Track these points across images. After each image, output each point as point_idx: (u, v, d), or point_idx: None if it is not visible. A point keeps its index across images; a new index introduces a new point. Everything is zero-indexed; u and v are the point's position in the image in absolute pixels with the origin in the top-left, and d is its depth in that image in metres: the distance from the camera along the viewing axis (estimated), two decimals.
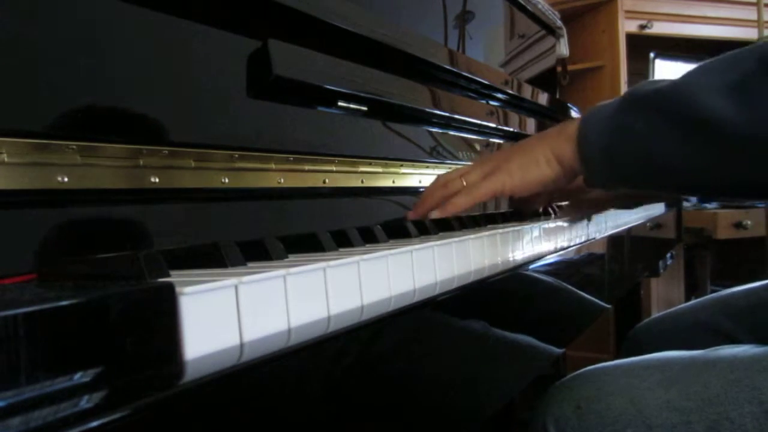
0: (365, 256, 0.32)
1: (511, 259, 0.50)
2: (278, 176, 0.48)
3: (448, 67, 0.79)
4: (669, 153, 0.51)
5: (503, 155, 0.64)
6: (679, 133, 0.50)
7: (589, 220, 0.75)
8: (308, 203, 0.52)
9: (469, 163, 0.81)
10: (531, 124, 1.09)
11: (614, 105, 0.56)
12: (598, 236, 0.74)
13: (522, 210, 0.79)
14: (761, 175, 0.49)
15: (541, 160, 0.61)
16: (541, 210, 0.83)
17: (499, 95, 1.00)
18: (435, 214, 0.59)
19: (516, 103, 1.07)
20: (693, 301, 0.99)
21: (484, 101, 0.96)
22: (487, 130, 0.91)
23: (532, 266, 0.51)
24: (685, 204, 1.94)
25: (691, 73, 0.52)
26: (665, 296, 2.07)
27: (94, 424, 0.16)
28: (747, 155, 0.48)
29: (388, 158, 0.64)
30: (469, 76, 0.85)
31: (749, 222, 1.91)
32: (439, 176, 0.66)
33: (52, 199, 0.33)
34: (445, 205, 0.60)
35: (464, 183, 0.62)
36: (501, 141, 0.96)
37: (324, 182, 0.54)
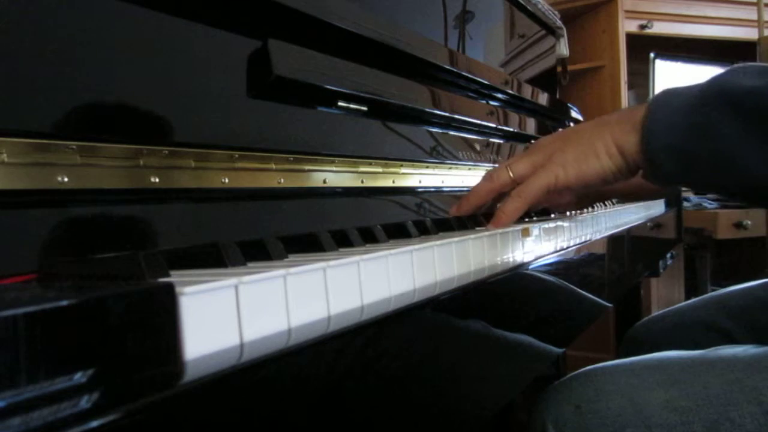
0: (365, 256, 0.32)
1: (511, 259, 0.50)
2: (278, 176, 0.48)
3: (448, 67, 0.79)
4: (756, 162, 0.45)
5: (556, 143, 0.56)
6: None
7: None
8: (308, 203, 0.52)
9: (469, 163, 0.81)
10: (531, 123, 1.09)
11: (692, 96, 0.48)
12: (598, 236, 0.73)
13: (551, 209, 0.72)
14: None
15: (600, 151, 0.53)
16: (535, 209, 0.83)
17: (499, 95, 1.00)
18: (489, 227, 0.54)
19: (516, 103, 1.07)
20: (692, 300, 0.99)
21: (484, 101, 0.96)
22: (488, 130, 0.91)
23: (532, 266, 0.51)
24: (685, 204, 1.94)
25: None
26: (665, 296, 2.07)
27: (94, 424, 0.16)
28: None
29: (388, 158, 0.64)
30: (469, 76, 0.85)
31: (749, 222, 1.91)
32: (487, 172, 0.60)
33: (52, 199, 0.33)
34: (498, 216, 0.55)
35: (511, 174, 0.56)
36: (501, 141, 0.96)
37: (324, 182, 0.54)
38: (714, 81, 0.48)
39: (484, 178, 0.58)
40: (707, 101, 0.47)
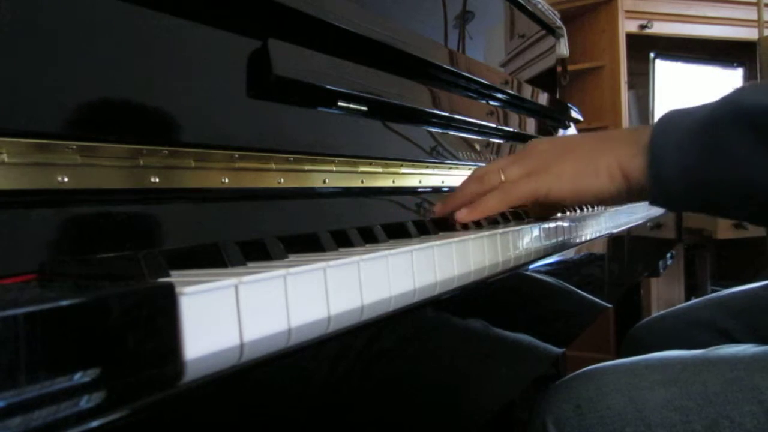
0: (365, 256, 0.32)
1: (511, 259, 0.50)
2: (278, 176, 0.48)
3: (448, 67, 0.79)
4: None
5: (556, 150, 0.54)
6: None
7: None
8: (308, 203, 0.52)
9: (470, 163, 0.81)
10: (531, 123, 1.09)
11: (703, 116, 0.45)
12: (598, 236, 0.73)
13: (545, 216, 0.70)
14: None
15: (602, 170, 0.50)
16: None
17: (499, 95, 1.00)
18: (462, 215, 0.53)
19: (516, 103, 1.07)
20: (693, 301, 0.99)
21: (484, 101, 0.96)
22: (487, 130, 0.91)
23: (532, 266, 0.51)
24: None
25: None
26: (665, 296, 2.07)
27: (94, 424, 0.16)
28: None
29: (388, 158, 0.64)
30: (469, 76, 0.85)
31: None
32: (476, 168, 0.57)
33: (52, 199, 0.33)
34: (475, 205, 0.53)
35: (502, 177, 0.53)
36: (501, 141, 0.96)
37: (324, 182, 0.54)
38: (725, 100, 0.45)
39: (474, 179, 0.56)
40: (719, 120, 0.44)
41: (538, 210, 0.67)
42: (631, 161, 0.49)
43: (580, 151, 0.52)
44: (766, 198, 0.43)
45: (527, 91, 1.10)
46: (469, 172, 0.81)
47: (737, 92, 0.46)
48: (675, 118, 0.48)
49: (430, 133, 0.75)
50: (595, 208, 0.98)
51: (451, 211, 0.55)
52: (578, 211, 0.83)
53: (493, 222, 0.67)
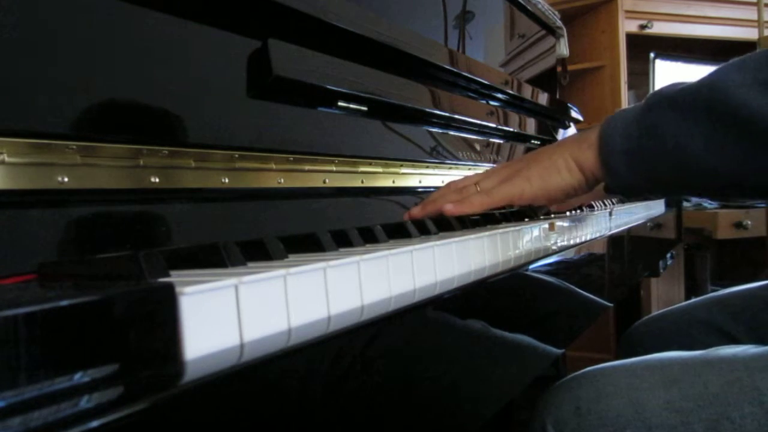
0: (365, 256, 0.32)
1: (511, 259, 0.50)
2: (278, 176, 0.48)
3: (448, 67, 0.79)
4: (701, 151, 0.49)
5: (521, 163, 0.63)
6: (711, 131, 0.49)
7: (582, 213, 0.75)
8: (308, 203, 0.52)
9: (469, 163, 0.81)
10: (531, 124, 1.09)
11: (637, 108, 0.55)
12: (598, 236, 0.73)
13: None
14: None
15: (561, 167, 0.60)
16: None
17: (499, 95, 1.00)
18: (449, 209, 0.57)
19: (516, 103, 1.07)
20: (692, 300, 0.99)
21: (484, 101, 0.96)
22: (487, 130, 0.91)
23: (532, 266, 0.51)
24: (685, 204, 1.94)
25: (721, 70, 0.50)
26: (665, 296, 2.07)
27: (94, 424, 0.16)
28: None
29: (388, 158, 0.64)
30: (469, 76, 0.85)
31: (749, 222, 1.91)
32: (450, 182, 0.64)
33: (52, 199, 0.33)
34: (462, 201, 0.58)
35: (479, 189, 0.61)
36: (501, 141, 0.96)
37: (324, 182, 0.54)
38: (651, 93, 0.54)
39: (452, 190, 0.61)
40: (651, 107, 0.53)
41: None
42: (583, 154, 0.58)
43: (542, 156, 0.62)
44: (697, 165, 0.50)
45: (527, 91, 1.10)
46: (468, 172, 0.81)
47: (657, 89, 0.55)
48: (619, 113, 0.56)
49: (430, 133, 0.75)
50: (595, 208, 0.98)
51: (429, 213, 0.59)
52: (578, 211, 0.83)
53: (492, 221, 0.67)
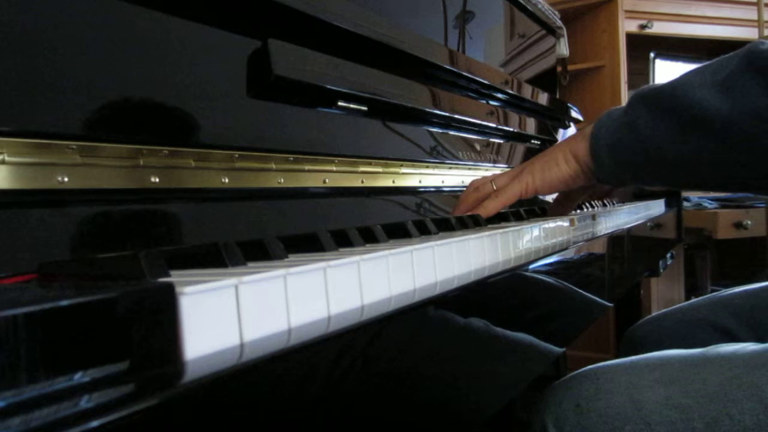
0: (365, 256, 0.32)
1: (511, 258, 0.50)
2: (278, 176, 0.48)
3: (448, 67, 0.79)
4: (665, 145, 0.55)
5: (529, 162, 0.69)
6: (674, 127, 0.54)
7: (593, 219, 0.75)
8: (308, 203, 0.52)
9: (469, 163, 0.82)
10: (531, 123, 1.09)
11: (624, 105, 0.61)
12: (598, 236, 0.73)
13: (559, 213, 0.79)
14: (747, 166, 0.52)
15: (560, 160, 0.66)
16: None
17: (499, 95, 1.00)
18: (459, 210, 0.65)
19: (516, 103, 1.07)
20: (693, 300, 0.99)
21: (484, 101, 0.96)
22: (487, 130, 0.91)
23: (532, 266, 0.51)
24: (686, 204, 1.94)
25: (688, 73, 0.56)
26: (665, 296, 2.07)
27: (94, 424, 0.16)
28: (732, 145, 0.51)
29: (388, 158, 0.64)
30: (470, 76, 0.85)
31: (749, 222, 1.91)
32: (473, 181, 0.72)
33: (52, 199, 0.33)
34: (478, 209, 0.66)
35: (494, 186, 0.68)
36: (501, 141, 0.96)
37: (324, 182, 0.54)
38: (635, 91, 0.60)
39: (472, 189, 0.70)
40: (631, 104, 0.59)
41: (558, 209, 0.78)
42: (578, 146, 0.64)
43: (545, 153, 0.68)
44: (663, 157, 0.56)
45: (527, 91, 1.10)
46: (468, 172, 0.81)
47: (641, 87, 0.60)
48: (610, 110, 0.62)
49: (430, 132, 0.75)
50: (595, 207, 0.98)
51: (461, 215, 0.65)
52: (578, 211, 0.83)
53: (492, 221, 0.67)
